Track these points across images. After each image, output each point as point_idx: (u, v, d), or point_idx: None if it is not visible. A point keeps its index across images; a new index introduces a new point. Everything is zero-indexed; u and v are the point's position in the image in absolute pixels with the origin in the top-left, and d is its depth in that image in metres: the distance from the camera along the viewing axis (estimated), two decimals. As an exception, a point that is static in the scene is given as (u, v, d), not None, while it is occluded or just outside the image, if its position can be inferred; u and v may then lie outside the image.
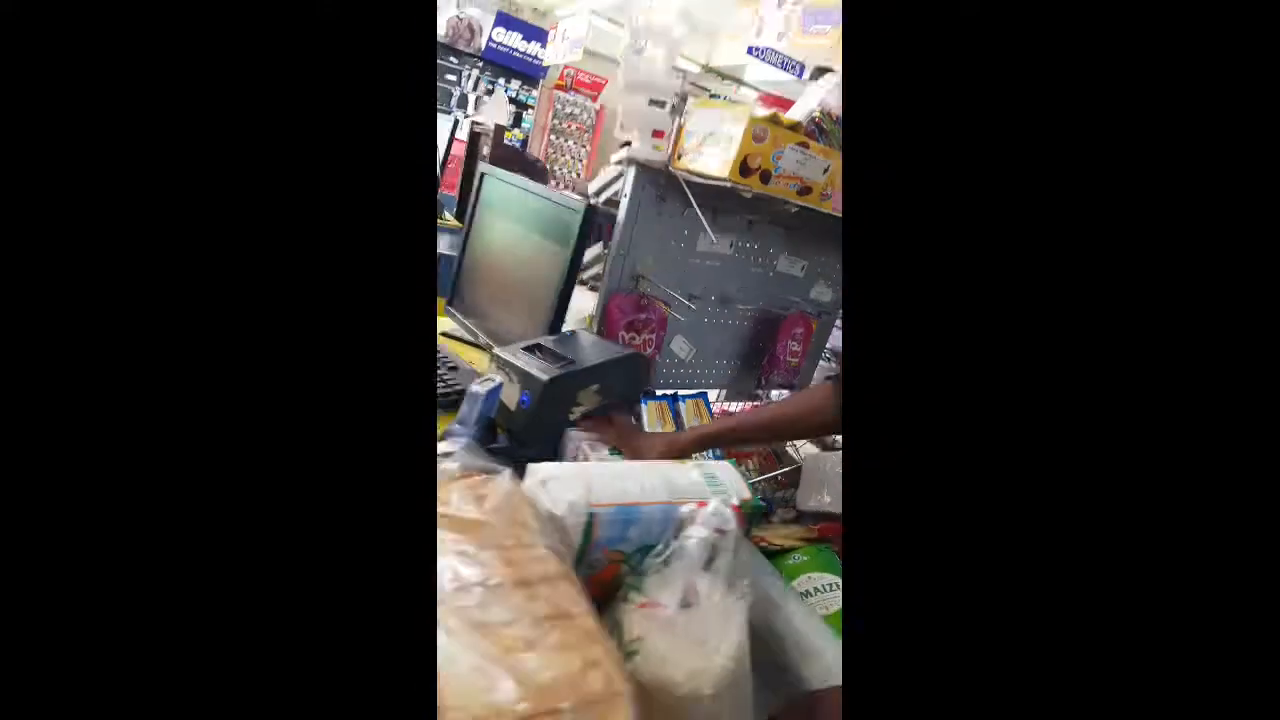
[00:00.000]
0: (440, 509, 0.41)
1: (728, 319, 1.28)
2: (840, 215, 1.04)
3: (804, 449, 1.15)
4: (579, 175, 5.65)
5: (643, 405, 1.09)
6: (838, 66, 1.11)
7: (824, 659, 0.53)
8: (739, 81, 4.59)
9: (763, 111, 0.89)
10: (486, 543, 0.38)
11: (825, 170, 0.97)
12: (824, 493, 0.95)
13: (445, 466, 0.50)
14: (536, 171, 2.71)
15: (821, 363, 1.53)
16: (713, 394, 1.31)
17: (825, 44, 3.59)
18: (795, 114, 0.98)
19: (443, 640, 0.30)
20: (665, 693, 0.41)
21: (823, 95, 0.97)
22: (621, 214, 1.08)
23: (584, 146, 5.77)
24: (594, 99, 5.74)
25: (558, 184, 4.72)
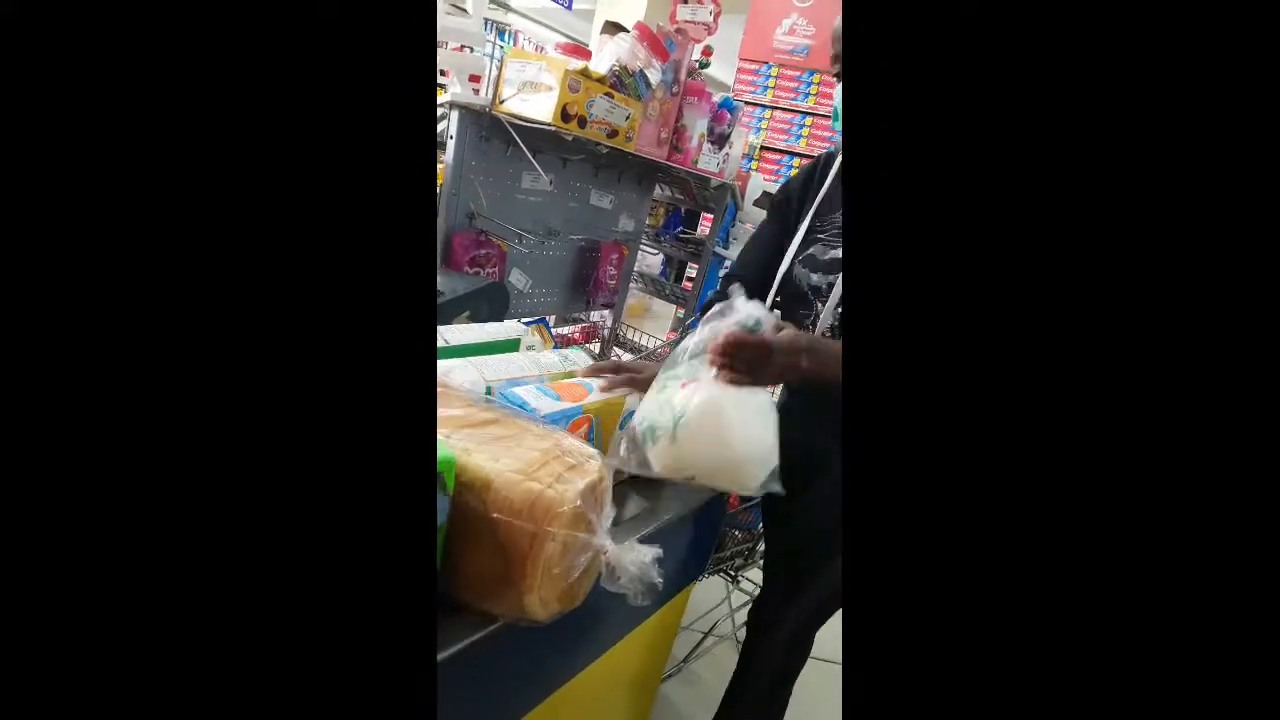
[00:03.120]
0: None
1: (555, 250, 1.45)
2: (638, 154, 1.27)
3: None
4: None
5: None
6: (623, 18, 1.29)
7: None
8: (507, 8, 4.50)
9: (575, 64, 1.04)
10: (448, 401, 0.53)
11: (627, 117, 1.17)
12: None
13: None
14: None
15: (631, 285, 1.81)
16: (551, 319, 1.50)
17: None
18: (598, 67, 1.14)
19: (477, 454, 0.46)
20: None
21: (619, 52, 1.16)
22: (449, 155, 1.15)
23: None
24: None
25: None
